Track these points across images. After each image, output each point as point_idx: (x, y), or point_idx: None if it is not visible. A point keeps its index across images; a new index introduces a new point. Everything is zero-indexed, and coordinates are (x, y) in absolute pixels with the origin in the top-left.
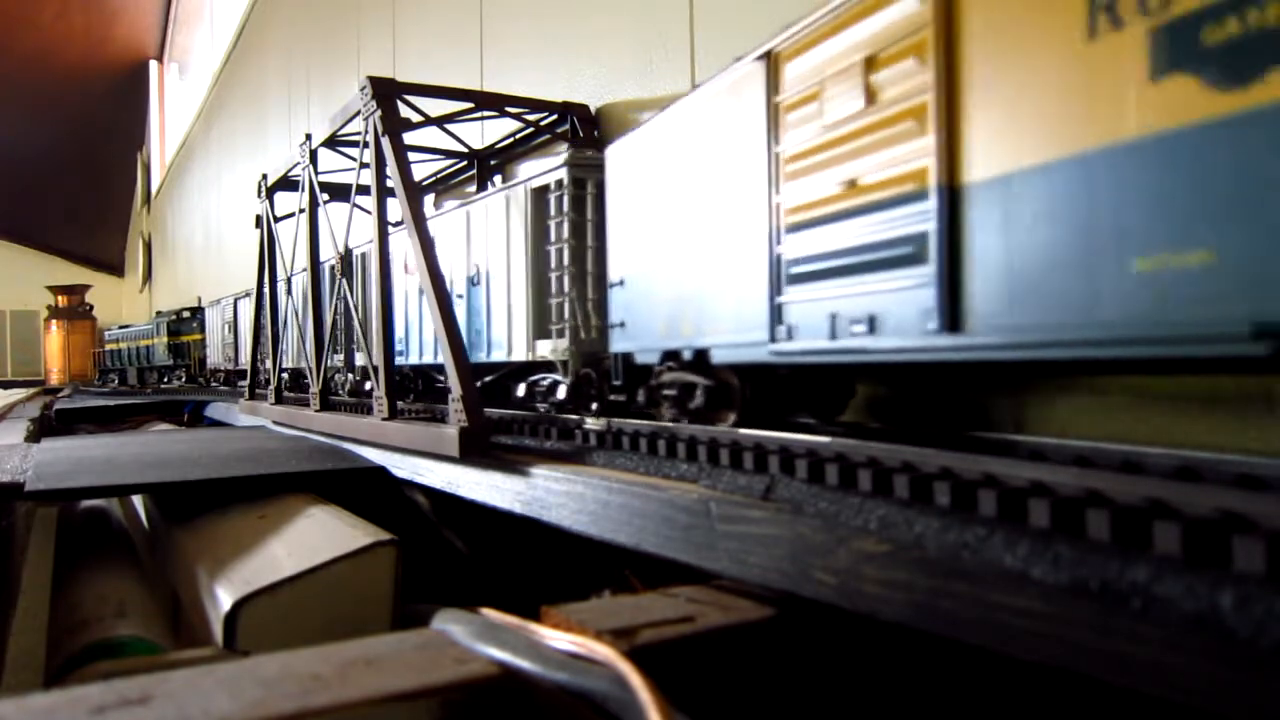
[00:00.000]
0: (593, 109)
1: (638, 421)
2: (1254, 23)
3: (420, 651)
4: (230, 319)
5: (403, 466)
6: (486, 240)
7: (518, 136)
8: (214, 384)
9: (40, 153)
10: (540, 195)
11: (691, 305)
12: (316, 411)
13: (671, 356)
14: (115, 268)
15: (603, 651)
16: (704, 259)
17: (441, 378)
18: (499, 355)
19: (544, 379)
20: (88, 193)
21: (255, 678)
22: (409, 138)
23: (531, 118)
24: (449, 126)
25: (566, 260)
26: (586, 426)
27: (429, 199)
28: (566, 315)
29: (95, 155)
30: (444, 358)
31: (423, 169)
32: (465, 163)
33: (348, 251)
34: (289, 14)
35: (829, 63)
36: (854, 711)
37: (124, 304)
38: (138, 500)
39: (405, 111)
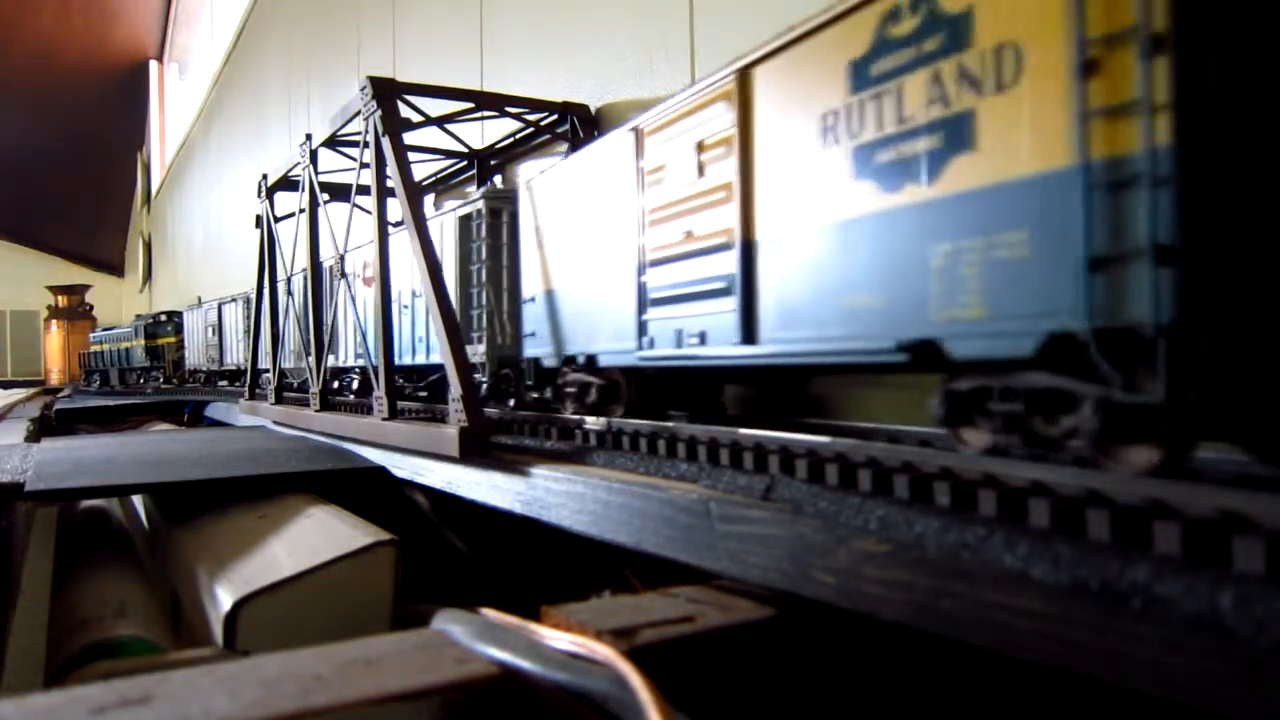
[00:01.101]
0: (593, 109)
1: (638, 421)
2: (898, 153)
3: (420, 651)
4: (214, 322)
5: (403, 466)
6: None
7: (518, 136)
8: (190, 384)
9: (40, 153)
10: (465, 222)
11: (585, 320)
12: (316, 411)
13: (570, 361)
14: (115, 268)
15: (603, 651)
16: (593, 283)
17: (399, 378)
18: (435, 358)
19: (481, 378)
20: (88, 193)
21: (255, 678)
22: (409, 138)
23: (531, 118)
24: (449, 126)
25: (484, 278)
26: (586, 426)
27: (429, 199)
28: (484, 325)
29: (95, 155)
30: (444, 358)
31: (423, 169)
32: (465, 163)
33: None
34: (289, 14)
35: (675, 141)
36: (854, 711)
37: (124, 304)
38: (138, 500)
39: (405, 111)
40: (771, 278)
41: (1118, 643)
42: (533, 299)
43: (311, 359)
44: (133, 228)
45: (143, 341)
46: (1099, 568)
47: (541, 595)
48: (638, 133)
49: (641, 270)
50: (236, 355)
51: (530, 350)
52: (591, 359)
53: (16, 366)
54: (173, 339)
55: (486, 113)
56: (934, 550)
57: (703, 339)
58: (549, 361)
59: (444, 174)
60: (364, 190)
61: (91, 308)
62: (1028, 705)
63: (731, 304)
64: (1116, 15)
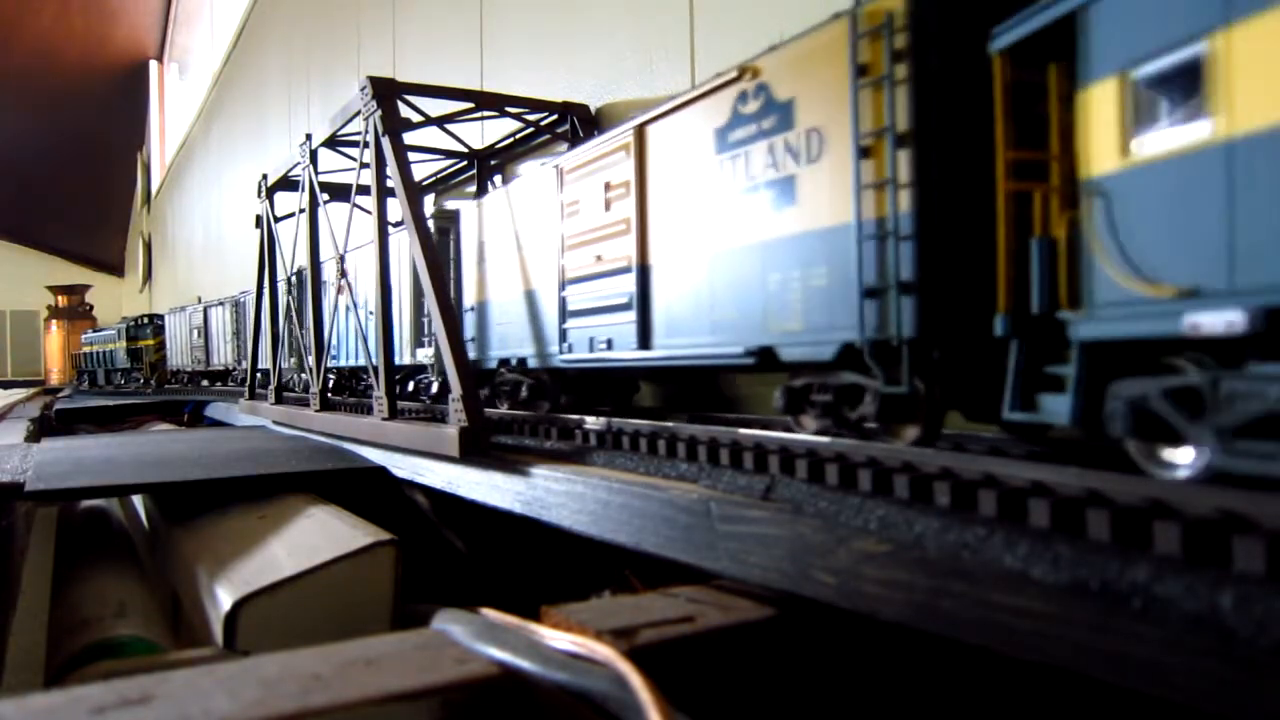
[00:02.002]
0: (593, 109)
1: (638, 421)
2: (748, 203)
3: (420, 651)
4: (200, 324)
5: (403, 466)
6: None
7: (518, 136)
8: (170, 384)
9: (40, 153)
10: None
11: (515, 327)
12: (316, 411)
13: (505, 363)
14: (115, 268)
15: (603, 651)
16: (523, 297)
17: (365, 377)
18: (398, 359)
19: (425, 378)
20: (88, 193)
21: (255, 678)
22: (409, 138)
23: (531, 118)
24: (449, 126)
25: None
26: (586, 426)
27: (429, 199)
28: (432, 329)
29: (95, 155)
30: (444, 357)
31: (423, 169)
32: (465, 163)
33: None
34: (289, 14)
35: (588, 180)
36: (854, 711)
37: (124, 304)
38: (138, 500)
39: (405, 111)
40: (661, 296)
41: (1118, 643)
42: (472, 309)
43: (311, 359)
44: (133, 228)
45: (124, 344)
46: (1099, 568)
47: (541, 595)
48: (559, 170)
49: (562, 286)
50: (224, 356)
51: (470, 354)
52: (522, 361)
53: (16, 366)
54: (152, 341)
55: (486, 113)
56: (934, 550)
57: (610, 345)
58: (486, 364)
59: (444, 174)
60: (364, 190)
61: (91, 308)
62: (1028, 705)
63: (631, 316)
64: (878, 116)
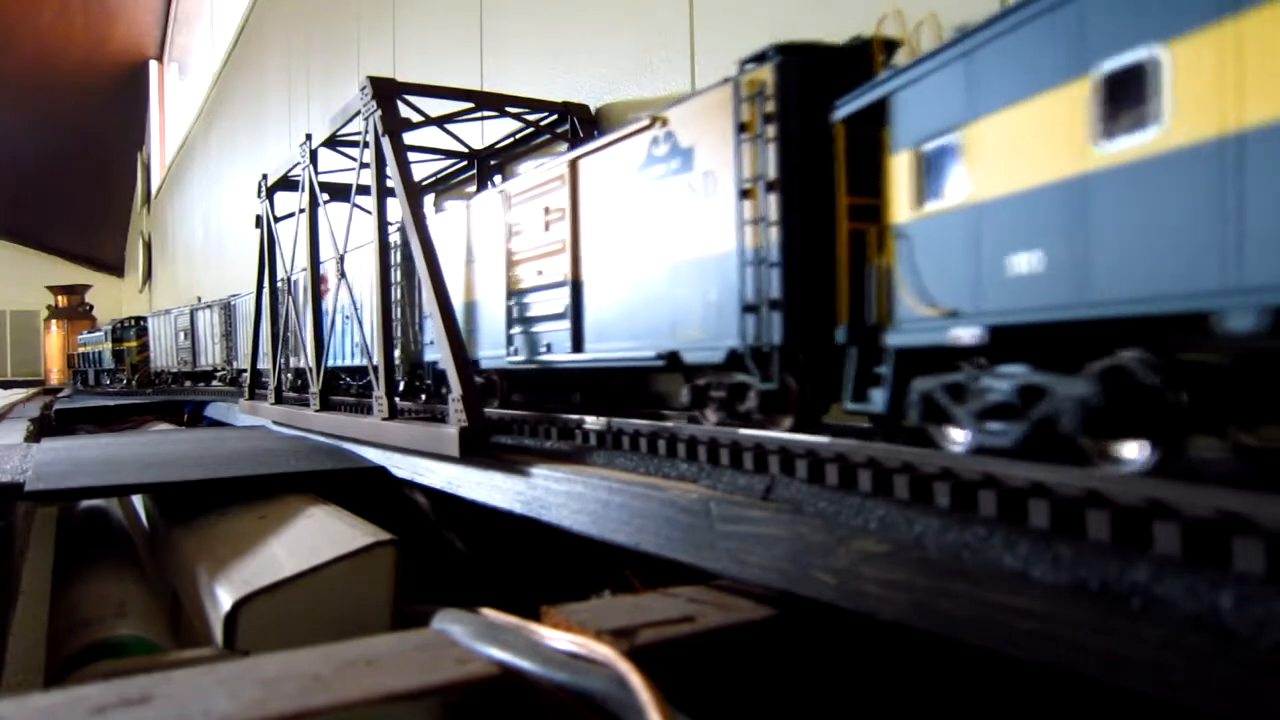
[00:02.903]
0: (593, 109)
1: (638, 421)
2: (661, 230)
3: (420, 651)
4: (187, 326)
5: (403, 466)
6: (361, 279)
7: (518, 136)
8: (153, 384)
9: (40, 153)
10: (385, 251)
11: (469, 332)
12: (316, 411)
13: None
14: (115, 268)
15: (603, 651)
16: (476, 304)
17: (347, 378)
18: (353, 360)
19: (400, 378)
20: (88, 193)
21: (255, 678)
22: (409, 138)
23: (532, 118)
24: (449, 126)
25: (400, 297)
26: (586, 426)
27: (429, 199)
28: (400, 334)
29: (95, 155)
30: (444, 357)
31: (423, 169)
32: (465, 163)
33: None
34: (289, 14)
35: (530, 205)
36: (854, 711)
37: (124, 304)
38: (138, 500)
39: (405, 111)
40: (591, 307)
41: (1118, 643)
42: (429, 315)
43: (311, 359)
44: (133, 228)
45: (110, 345)
46: (1099, 568)
47: (541, 595)
48: (505, 195)
49: (509, 296)
50: (212, 357)
51: (429, 356)
52: (475, 363)
53: (16, 366)
54: (135, 343)
55: (486, 113)
56: (934, 550)
57: (549, 349)
58: (442, 364)
59: (444, 174)
60: (364, 190)
61: (91, 308)
62: (1028, 705)
63: (567, 324)
64: (755, 166)
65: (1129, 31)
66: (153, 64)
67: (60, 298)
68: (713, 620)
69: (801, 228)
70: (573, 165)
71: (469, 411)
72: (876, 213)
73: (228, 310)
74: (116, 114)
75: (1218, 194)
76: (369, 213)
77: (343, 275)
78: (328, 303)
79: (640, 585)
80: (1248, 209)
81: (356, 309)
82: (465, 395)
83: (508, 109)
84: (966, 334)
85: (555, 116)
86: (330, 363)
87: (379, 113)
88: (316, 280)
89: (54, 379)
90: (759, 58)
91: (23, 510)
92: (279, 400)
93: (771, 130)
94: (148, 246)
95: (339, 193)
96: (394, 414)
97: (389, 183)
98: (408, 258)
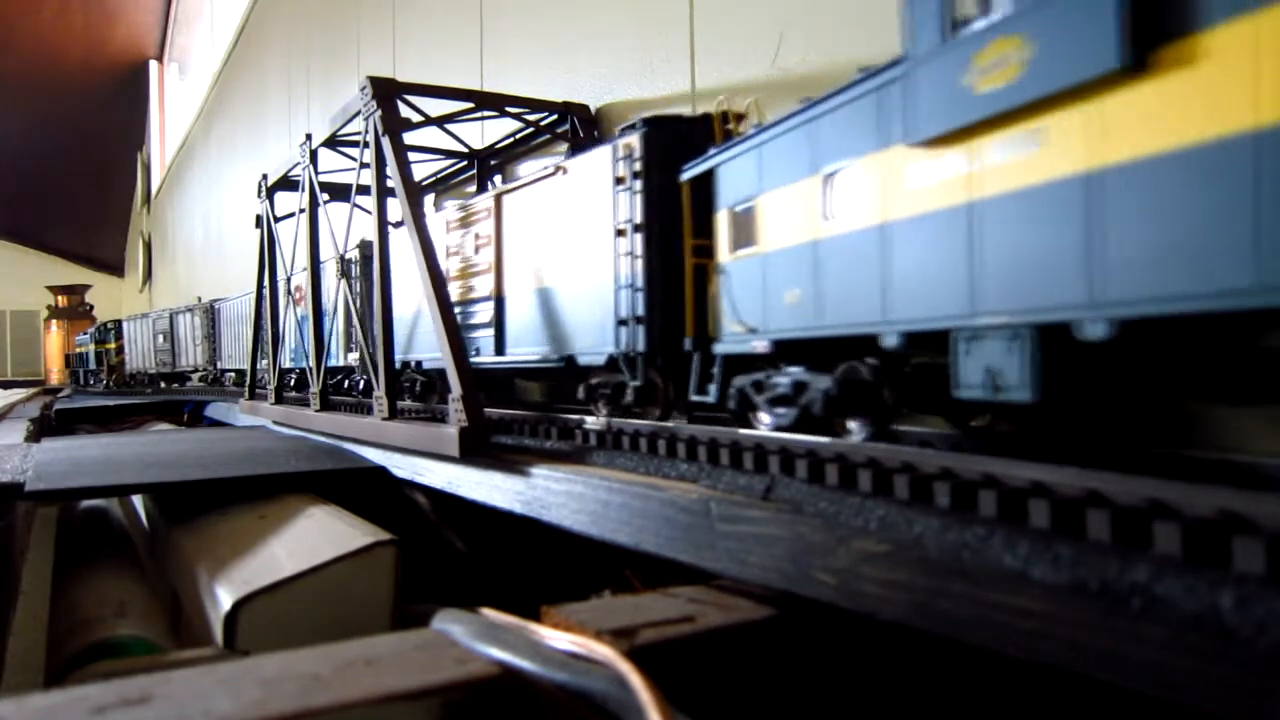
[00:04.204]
0: (593, 109)
1: (638, 421)
2: (563, 259)
3: (420, 651)
4: (166, 329)
5: (403, 466)
6: (332, 287)
7: (518, 136)
8: (129, 384)
9: (40, 153)
10: (346, 264)
11: (413, 337)
12: (316, 411)
13: (406, 365)
14: (115, 268)
15: (603, 651)
16: (419, 313)
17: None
18: (334, 361)
19: (355, 377)
20: (88, 193)
21: (255, 678)
22: (409, 138)
23: (532, 118)
24: (449, 126)
25: (358, 304)
26: (586, 426)
27: (429, 199)
28: (359, 339)
29: (95, 155)
30: (444, 357)
31: (423, 169)
32: (465, 163)
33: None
34: (289, 14)
35: (463, 230)
36: (854, 711)
37: (124, 304)
38: (138, 500)
39: (405, 111)
40: (511, 318)
41: (1118, 643)
42: (430, 314)
43: (311, 359)
44: (133, 228)
45: (94, 347)
46: (1099, 568)
47: (541, 595)
48: (446, 221)
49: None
50: (193, 359)
51: (406, 356)
52: (419, 363)
53: (16, 366)
54: (113, 345)
55: (486, 113)
56: (934, 550)
57: (479, 351)
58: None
59: (444, 174)
60: (364, 190)
61: (91, 308)
62: (1028, 705)
63: (492, 332)
64: (626, 211)
65: (838, 148)
66: (153, 64)
67: (60, 298)
68: (713, 620)
69: (659, 261)
70: (497, 199)
71: (469, 411)
72: (711, 252)
73: (210, 313)
74: (116, 114)
75: (878, 261)
76: (369, 213)
77: (385, 269)
78: (303, 309)
79: (640, 585)
80: (893, 275)
81: (322, 315)
82: (465, 395)
83: (508, 109)
84: (761, 345)
85: (555, 116)
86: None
87: (379, 113)
88: (317, 280)
89: (54, 379)
90: (631, 127)
91: (23, 510)
92: (279, 400)
93: (638, 185)
94: (148, 246)
95: (339, 193)
96: (394, 414)
97: (389, 183)
98: (366, 272)
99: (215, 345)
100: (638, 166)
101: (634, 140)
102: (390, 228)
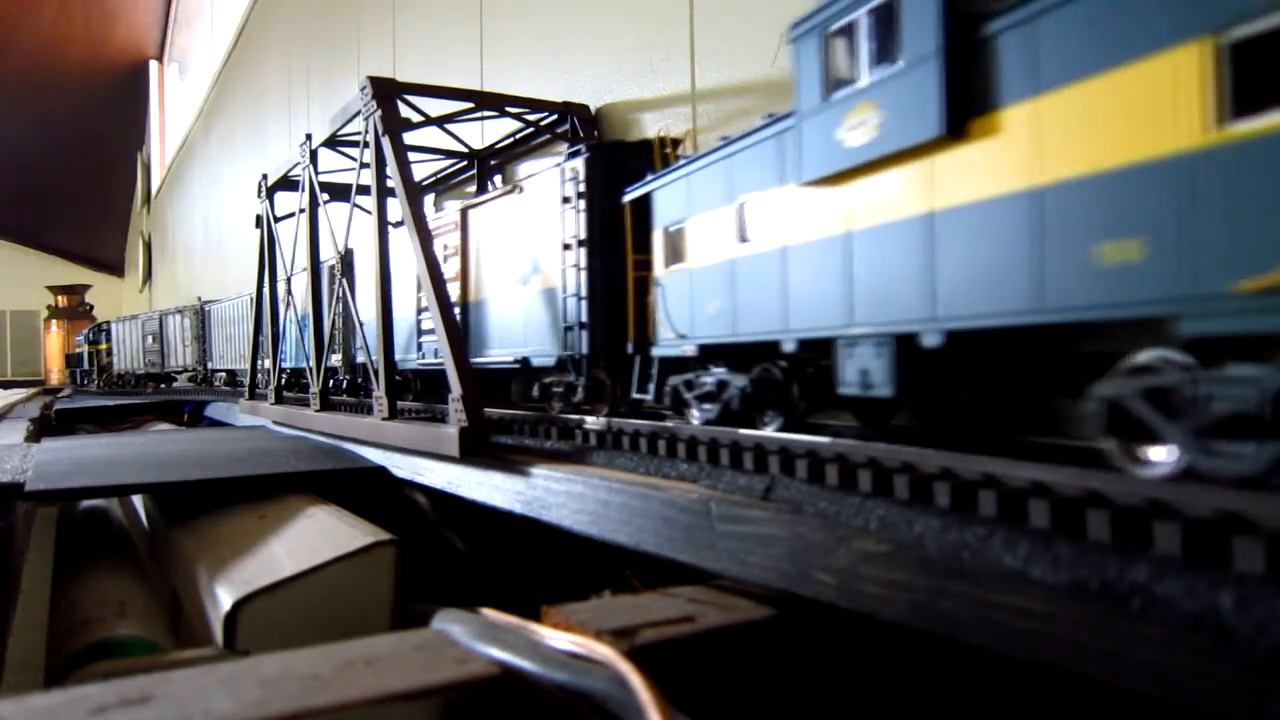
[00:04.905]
0: (593, 109)
1: (638, 421)
2: (519, 270)
3: (420, 651)
4: (155, 330)
5: (403, 466)
6: (309, 294)
7: (518, 136)
8: (117, 384)
9: (40, 153)
10: (330, 270)
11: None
12: (316, 411)
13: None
14: (115, 268)
15: (603, 651)
16: (395, 317)
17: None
18: (335, 360)
19: (336, 377)
20: (88, 193)
21: (255, 678)
22: (409, 138)
23: (532, 118)
24: (449, 126)
25: (341, 309)
26: (586, 426)
27: (429, 199)
28: (342, 341)
29: (95, 155)
30: (444, 357)
31: (423, 169)
32: (465, 163)
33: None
34: (289, 14)
35: (434, 241)
36: (854, 711)
37: (124, 304)
38: (138, 500)
39: (405, 111)
40: (474, 323)
41: (1118, 643)
42: (363, 324)
43: (311, 359)
44: (133, 228)
45: (87, 348)
46: (1099, 568)
47: (541, 595)
48: None
49: (419, 313)
50: (182, 359)
51: (360, 358)
52: (400, 363)
53: (16, 367)
54: (103, 346)
55: (486, 113)
56: (934, 550)
57: (435, 354)
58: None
59: (444, 174)
60: (364, 190)
61: (91, 308)
62: (1028, 705)
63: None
64: (571, 228)
65: (749, 182)
66: (153, 64)
67: (60, 298)
68: (713, 620)
69: (602, 273)
70: (463, 213)
71: (469, 411)
72: (650, 266)
73: (200, 315)
74: (116, 114)
75: (779, 279)
76: (369, 213)
77: (385, 269)
78: (288, 314)
79: (640, 585)
80: (790, 291)
81: (301, 321)
82: (465, 395)
83: (508, 109)
84: (689, 349)
85: (555, 116)
86: (292, 364)
87: (379, 113)
88: (317, 280)
89: (54, 379)
90: (576, 152)
91: (23, 510)
92: (279, 400)
93: (582, 204)
94: (148, 246)
95: (339, 193)
96: (394, 414)
97: (389, 183)
98: (347, 278)
99: (205, 346)
100: (582, 188)
101: (579, 164)
102: (390, 227)
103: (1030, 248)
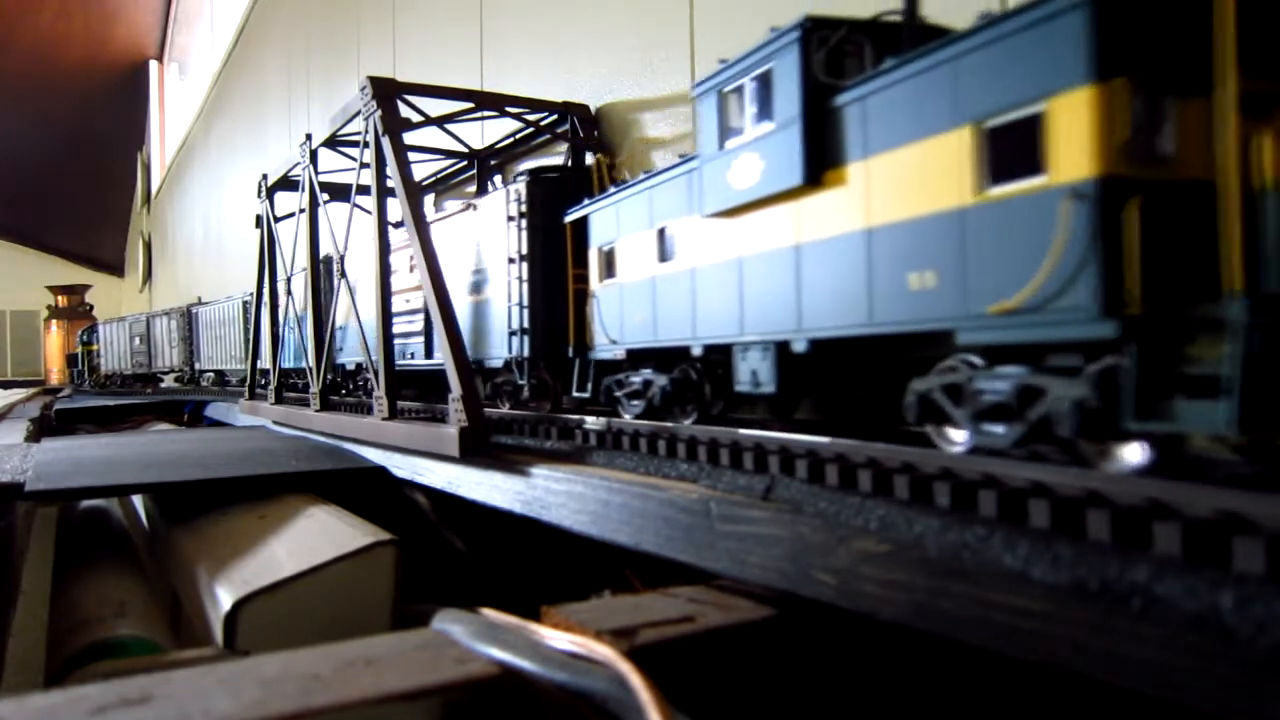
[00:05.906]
0: (593, 109)
1: (638, 422)
2: (475, 280)
3: (420, 651)
4: (143, 332)
5: (403, 466)
6: (295, 299)
7: (518, 136)
8: (105, 384)
9: (40, 153)
10: (386, 249)
11: (364, 342)
12: (316, 411)
13: (360, 366)
14: (115, 268)
15: (603, 651)
16: (372, 320)
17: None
18: (302, 362)
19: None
20: (88, 193)
21: (255, 678)
22: (409, 137)
23: (531, 118)
24: (449, 126)
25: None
26: (586, 426)
27: (429, 199)
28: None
29: (95, 155)
30: (444, 357)
31: (423, 169)
32: (465, 163)
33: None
34: (289, 14)
35: (400, 253)
36: (854, 711)
37: (124, 304)
38: (138, 500)
39: (405, 111)
40: (435, 328)
41: (1118, 643)
42: (342, 327)
43: (311, 359)
44: (133, 228)
45: (82, 349)
46: (1099, 568)
47: (541, 595)
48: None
49: (389, 321)
50: (170, 360)
51: (340, 359)
52: (358, 365)
53: (16, 366)
54: (94, 347)
55: (487, 113)
56: (934, 550)
57: (412, 355)
58: (350, 366)
59: (444, 174)
60: (364, 190)
61: (91, 308)
62: (1028, 705)
63: (422, 339)
64: (515, 245)
65: (666, 210)
66: (153, 64)
67: (60, 298)
68: (713, 620)
69: (542, 285)
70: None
71: (469, 411)
72: (587, 279)
73: (187, 317)
74: (116, 114)
75: (689, 294)
76: (369, 213)
77: (385, 269)
78: (282, 314)
79: (640, 585)
80: (698, 304)
81: (300, 320)
82: (465, 395)
83: (508, 109)
84: (620, 353)
85: (555, 116)
86: (290, 364)
87: (379, 113)
88: (317, 280)
89: (54, 379)
90: (522, 174)
91: (23, 510)
92: (279, 400)
93: (524, 223)
94: (148, 246)
95: (339, 193)
96: (394, 414)
97: (389, 183)
98: (330, 282)
99: (193, 347)
100: (524, 209)
101: (523, 187)
102: (390, 227)
103: (865, 275)
